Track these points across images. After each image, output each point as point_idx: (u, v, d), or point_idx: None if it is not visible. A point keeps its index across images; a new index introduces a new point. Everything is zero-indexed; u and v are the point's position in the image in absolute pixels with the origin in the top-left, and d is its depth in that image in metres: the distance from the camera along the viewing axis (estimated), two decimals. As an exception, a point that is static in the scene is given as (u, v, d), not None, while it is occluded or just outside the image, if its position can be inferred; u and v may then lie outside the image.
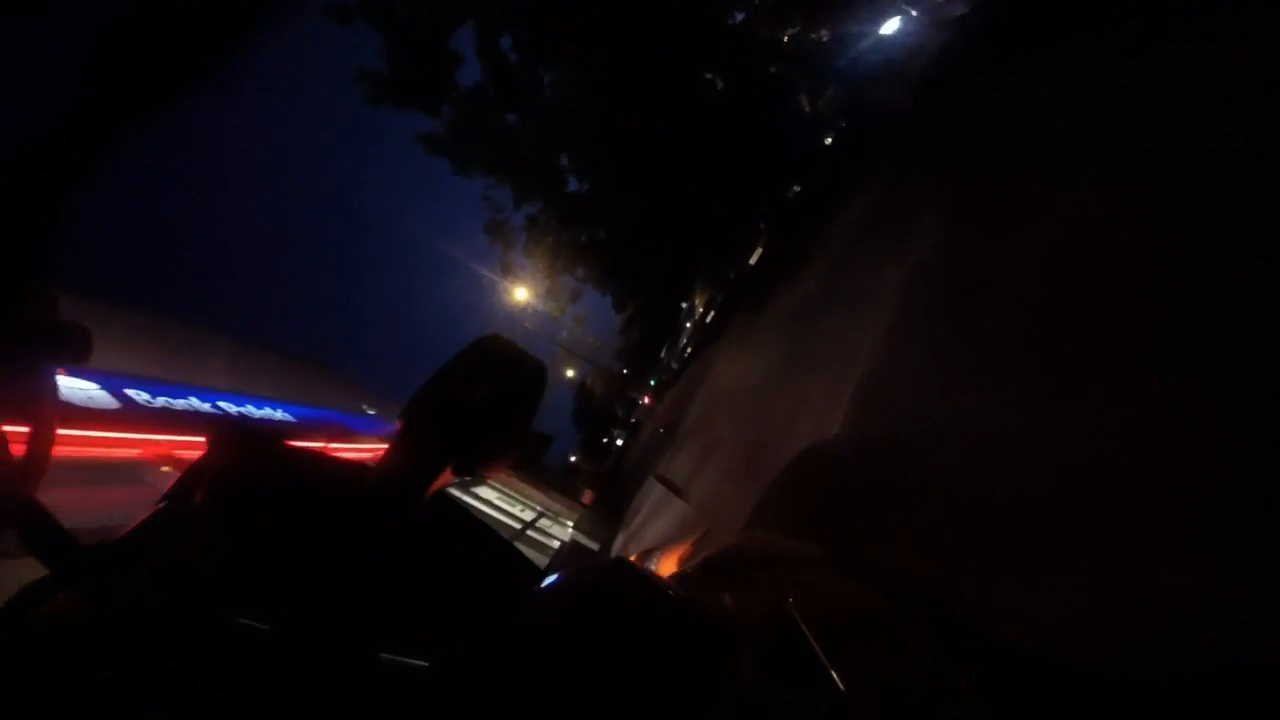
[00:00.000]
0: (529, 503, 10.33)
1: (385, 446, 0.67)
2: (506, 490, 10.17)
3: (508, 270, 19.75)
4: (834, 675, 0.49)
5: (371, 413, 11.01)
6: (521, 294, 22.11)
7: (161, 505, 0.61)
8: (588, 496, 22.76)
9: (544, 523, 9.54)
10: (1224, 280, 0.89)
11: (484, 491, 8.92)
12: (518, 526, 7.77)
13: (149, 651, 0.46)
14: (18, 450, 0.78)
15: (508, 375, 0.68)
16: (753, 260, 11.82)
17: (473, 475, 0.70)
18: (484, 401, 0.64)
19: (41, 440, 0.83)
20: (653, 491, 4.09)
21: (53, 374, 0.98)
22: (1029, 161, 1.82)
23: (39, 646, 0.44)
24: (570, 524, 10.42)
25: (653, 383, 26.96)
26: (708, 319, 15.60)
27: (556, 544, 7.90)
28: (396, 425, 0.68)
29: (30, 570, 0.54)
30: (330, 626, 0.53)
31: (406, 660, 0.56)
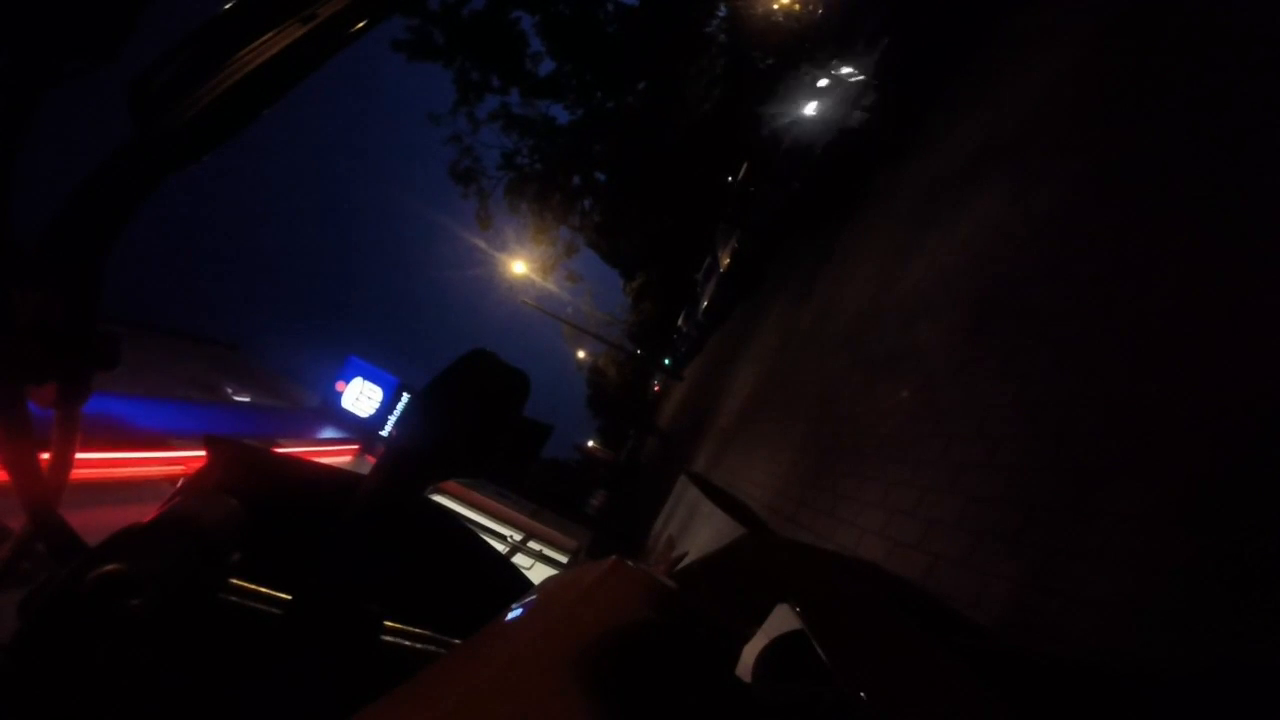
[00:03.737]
0: (502, 528, 6.87)
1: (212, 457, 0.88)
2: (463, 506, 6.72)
3: (486, 225, 16.41)
4: (834, 672, 0.55)
5: (242, 399, 7.75)
6: (519, 268, 19.08)
7: (176, 499, 0.70)
8: (600, 498, 19.65)
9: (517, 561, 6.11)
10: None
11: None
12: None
13: (186, 618, 0.57)
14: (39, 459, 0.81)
15: (492, 385, 0.74)
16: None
17: (465, 477, 0.98)
18: (470, 410, 0.70)
19: (68, 454, 0.83)
20: (695, 501, 4.00)
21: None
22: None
23: (89, 608, 0.51)
24: (564, 560, 6.92)
25: (667, 361, 23.55)
26: (738, 268, 12.12)
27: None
28: (390, 434, 0.86)
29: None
30: (329, 624, 0.62)
31: (402, 654, 0.69)
